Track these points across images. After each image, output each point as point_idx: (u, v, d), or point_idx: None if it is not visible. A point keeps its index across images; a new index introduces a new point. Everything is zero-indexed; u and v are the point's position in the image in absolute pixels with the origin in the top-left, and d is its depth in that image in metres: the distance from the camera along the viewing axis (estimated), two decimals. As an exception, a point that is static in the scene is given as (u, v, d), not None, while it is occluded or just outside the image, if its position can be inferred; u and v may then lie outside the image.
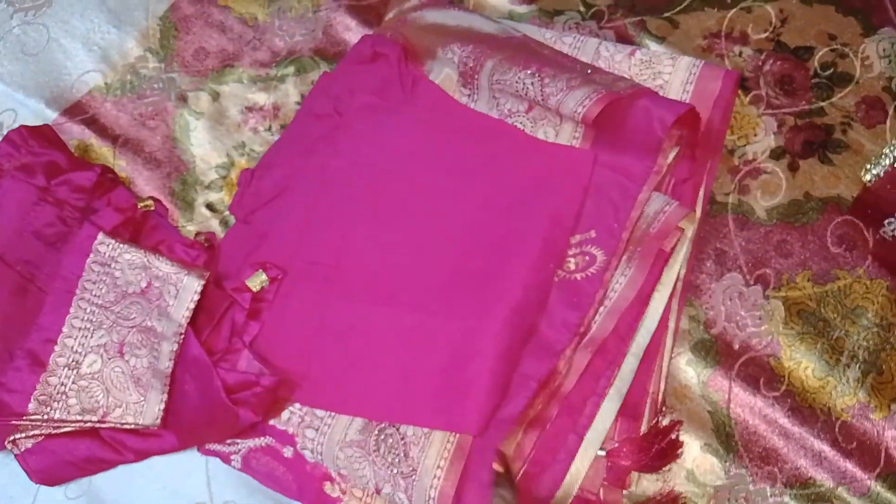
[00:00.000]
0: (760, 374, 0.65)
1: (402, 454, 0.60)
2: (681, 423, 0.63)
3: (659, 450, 0.61)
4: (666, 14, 0.74)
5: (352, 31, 0.77)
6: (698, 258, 0.68)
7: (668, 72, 0.68)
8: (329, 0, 0.77)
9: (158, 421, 0.64)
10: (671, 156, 0.64)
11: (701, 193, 0.67)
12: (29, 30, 0.79)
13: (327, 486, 0.64)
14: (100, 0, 0.79)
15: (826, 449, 0.63)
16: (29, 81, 0.77)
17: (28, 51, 0.78)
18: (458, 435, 0.60)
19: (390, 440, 0.61)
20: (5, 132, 0.76)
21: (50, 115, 0.76)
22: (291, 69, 0.77)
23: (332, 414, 0.64)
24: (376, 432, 0.62)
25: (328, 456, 0.63)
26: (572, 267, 0.62)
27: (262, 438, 0.65)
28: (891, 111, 0.69)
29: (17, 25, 0.79)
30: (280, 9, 0.78)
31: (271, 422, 0.65)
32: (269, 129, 0.76)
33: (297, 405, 0.65)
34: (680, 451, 0.62)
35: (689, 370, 0.66)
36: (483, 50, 0.68)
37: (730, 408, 0.65)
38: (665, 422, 0.63)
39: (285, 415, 0.65)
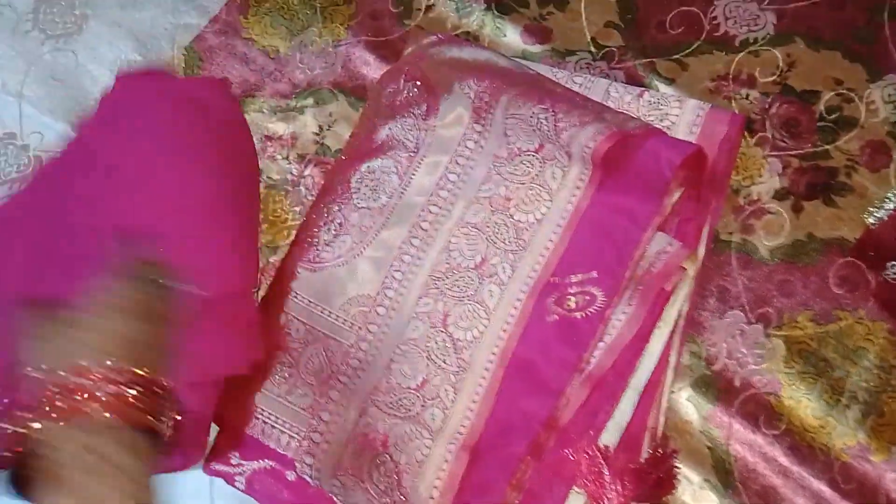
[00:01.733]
0: (761, 411, 0.66)
1: (396, 482, 0.61)
2: (678, 451, 0.64)
3: (657, 479, 0.61)
4: (675, 56, 0.76)
5: (370, 66, 0.79)
6: (701, 295, 0.69)
7: (676, 113, 0.69)
8: (349, 35, 0.80)
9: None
10: (675, 196, 0.66)
11: (705, 233, 0.68)
12: (59, 56, 0.82)
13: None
14: (128, 30, 0.82)
15: (825, 489, 0.63)
16: (57, 106, 0.80)
17: (57, 76, 0.81)
18: (449, 463, 0.61)
19: (383, 468, 0.62)
20: (31, 154, 0.79)
21: (75, 139, 0.79)
22: (310, 101, 0.79)
23: (329, 440, 0.65)
24: (370, 458, 0.63)
25: (326, 482, 0.64)
26: (572, 305, 0.64)
27: (265, 461, 0.66)
28: (895, 155, 0.70)
29: (48, 52, 0.82)
30: (301, 42, 0.80)
31: (271, 444, 0.66)
32: (287, 157, 0.78)
33: (297, 431, 0.66)
34: (677, 479, 0.63)
35: (690, 406, 0.67)
36: (499, 85, 0.70)
37: (729, 444, 0.65)
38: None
39: (284, 438, 0.66)
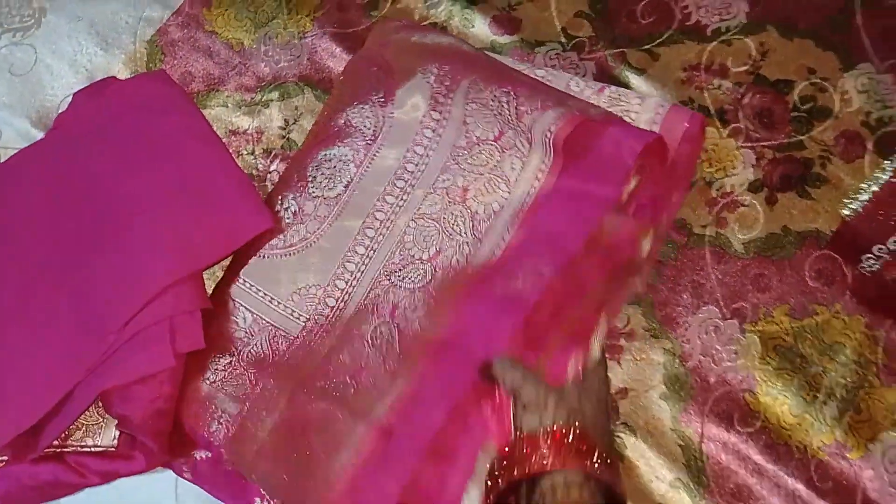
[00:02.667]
0: (735, 409, 0.64)
1: (311, 464, 0.60)
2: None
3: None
4: (646, 46, 0.74)
5: (336, 58, 0.77)
6: (674, 291, 0.67)
7: (636, 110, 0.68)
8: (314, 27, 0.78)
9: (115, 442, 0.64)
10: (633, 184, 0.64)
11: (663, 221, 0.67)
12: (16, 50, 0.80)
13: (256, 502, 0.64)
14: (88, 23, 0.80)
15: (801, 488, 0.61)
16: (15, 101, 0.78)
17: (15, 71, 0.79)
18: (365, 444, 0.59)
19: (301, 452, 0.60)
20: (-9, 150, 0.77)
21: (36, 135, 0.77)
22: (276, 94, 0.78)
23: (256, 428, 0.63)
24: (291, 444, 0.61)
25: (247, 470, 0.62)
26: (518, 285, 0.61)
27: (203, 451, 0.65)
28: (869, 146, 0.69)
29: (5, 46, 0.80)
30: (266, 35, 0.79)
31: (205, 434, 0.65)
32: (252, 153, 0.76)
33: (226, 419, 0.64)
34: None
35: (662, 404, 0.65)
36: (461, 68, 0.68)
37: (702, 443, 0.63)
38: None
39: (214, 426, 0.64)
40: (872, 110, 0.70)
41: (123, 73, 0.79)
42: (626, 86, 0.73)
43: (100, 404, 0.67)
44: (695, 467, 0.63)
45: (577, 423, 0.53)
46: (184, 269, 0.63)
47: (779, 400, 0.64)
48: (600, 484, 0.51)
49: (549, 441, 0.53)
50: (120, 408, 0.62)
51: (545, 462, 0.52)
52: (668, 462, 0.63)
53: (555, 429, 0.53)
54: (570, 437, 0.53)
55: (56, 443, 0.66)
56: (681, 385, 0.65)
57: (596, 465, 0.52)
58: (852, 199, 0.67)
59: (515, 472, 0.53)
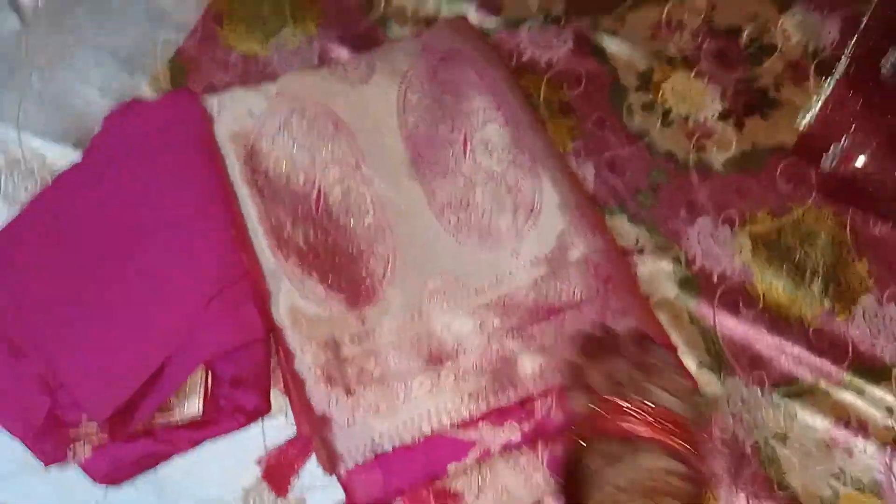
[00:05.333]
0: (739, 297, 0.75)
1: None
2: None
3: None
4: (615, 12, 0.86)
5: (345, 57, 0.87)
6: (672, 208, 0.79)
7: None
8: (321, 31, 0.88)
9: (200, 412, 0.71)
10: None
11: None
12: (49, 85, 0.87)
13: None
14: (112, 51, 0.88)
15: (803, 351, 0.73)
16: (56, 129, 0.85)
17: (50, 101, 0.86)
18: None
19: None
20: (37, 177, 0.84)
21: (78, 156, 0.84)
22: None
23: None
24: None
25: None
26: None
27: None
28: (811, 70, 0.82)
29: (37, 81, 0.87)
30: (278, 44, 0.88)
31: None
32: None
33: None
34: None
35: (679, 304, 0.76)
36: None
37: (716, 329, 0.74)
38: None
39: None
40: (808, 42, 0.83)
41: (149, 93, 0.87)
42: (602, 49, 0.85)
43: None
44: (714, 351, 0.74)
45: (674, 405, 0.56)
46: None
47: (773, 284, 0.75)
48: (686, 466, 0.53)
49: (642, 412, 0.55)
50: (232, 370, 0.69)
51: (634, 431, 0.54)
52: (693, 350, 0.74)
53: (649, 403, 0.55)
54: (665, 415, 0.55)
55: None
56: (691, 285, 0.76)
57: (685, 447, 0.54)
58: (804, 114, 0.80)
59: (599, 435, 0.56)
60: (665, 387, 0.57)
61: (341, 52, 0.87)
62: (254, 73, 0.87)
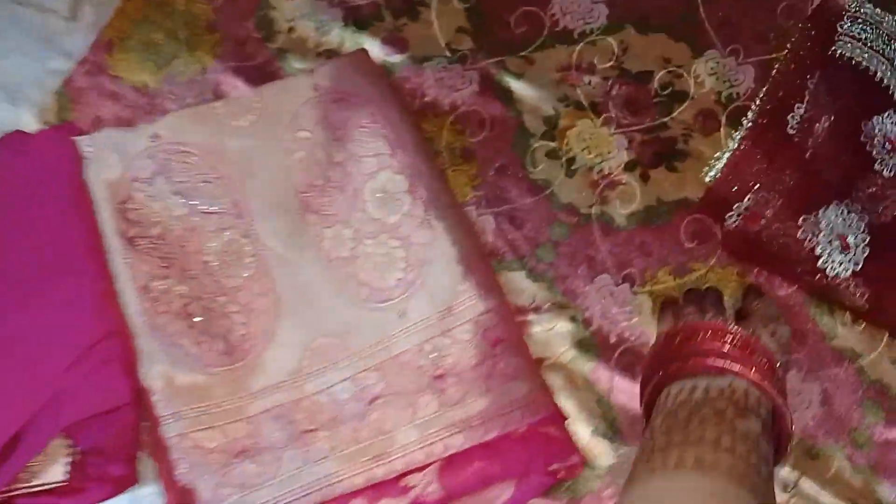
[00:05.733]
0: (636, 361, 0.72)
1: None
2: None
3: None
4: (522, 53, 0.82)
5: (239, 90, 0.82)
6: (572, 265, 0.75)
7: None
8: (215, 62, 0.83)
9: (66, 479, 0.66)
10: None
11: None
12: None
13: None
14: (-4, 84, 0.83)
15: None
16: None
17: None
18: None
19: None
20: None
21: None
22: (186, 130, 0.82)
23: None
24: None
25: None
26: None
27: None
28: (723, 120, 0.79)
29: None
30: (169, 74, 0.83)
31: None
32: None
33: None
34: None
35: (573, 366, 0.73)
36: None
37: (612, 394, 0.72)
38: None
39: None
40: (722, 89, 0.80)
41: (34, 125, 0.82)
42: (509, 91, 0.81)
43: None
44: (608, 417, 0.71)
45: (770, 346, 0.55)
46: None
47: (672, 348, 0.73)
48: (774, 405, 0.51)
49: (734, 342, 0.53)
50: (90, 439, 0.65)
51: (724, 362, 0.52)
52: (586, 416, 0.71)
53: (743, 335, 0.54)
54: (758, 349, 0.53)
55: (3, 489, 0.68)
56: (588, 347, 0.73)
57: (774, 385, 0.52)
58: (712, 166, 0.77)
59: (684, 365, 0.54)
60: (767, 327, 0.58)
61: (237, 84, 0.83)
62: (143, 107, 0.82)
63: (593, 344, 0.73)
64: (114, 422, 0.66)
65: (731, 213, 0.75)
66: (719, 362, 0.53)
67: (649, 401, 0.56)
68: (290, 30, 0.84)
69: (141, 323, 0.68)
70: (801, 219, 0.72)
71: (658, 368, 0.56)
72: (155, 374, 0.67)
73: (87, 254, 0.70)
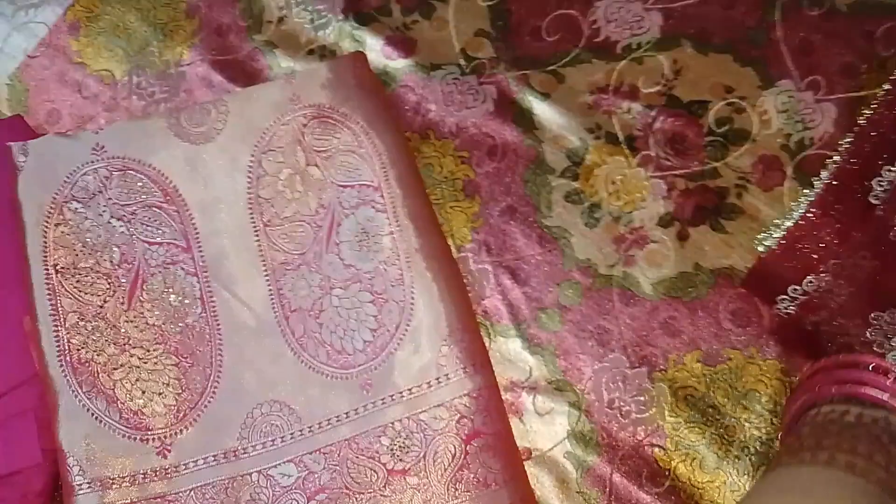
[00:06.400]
0: (644, 466, 0.60)
1: None
2: None
3: None
4: (551, 67, 0.68)
5: (214, 89, 0.71)
6: (579, 337, 0.62)
7: None
8: (191, 53, 0.72)
9: None
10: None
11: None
12: None
13: None
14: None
15: (712, 552, 0.57)
16: None
17: None
18: None
19: None
20: None
21: None
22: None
23: None
24: None
25: None
26: None
27: None
28: (789, 171, 0.64)
29: None
30: (138, 66, 0.72)
31: None
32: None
33: None
34: None
35: (568, 463, 0.60)
36: None
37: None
38: None
39: None
40: (792, 132, 0.64)
41: (-13, 113, 0.73)
42: (529, 113, 0.67)
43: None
44: (602, 532, 0.59)
45: None
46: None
47: (690, 455, 0.59)
48: None
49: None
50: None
51: (884, 395, 0.51)
52: (574, 528, 0.59)
53: None
54: None
55: None
56: (586, 442, 0.61)
57: None
58: (769, 232, 0.62)
59: (841, 388, 0.52)
60: None
61: (212, 81, 0.71)
62: (105, 102, 0.72)
63: (594, 439, 0.61)
64: (17, 486, 0.57)
65: (783, 297, 0.60)
66: (879, 394, 0.51)
67: (793, 418, 0.54)
68: (281, 20, 0.72)
69: (61, 372, 0.58)
70: (872, 315, 0.57)
71: (811, 388, 0.54)
72: (74, 433, 0.58)
73: (9, 283, 0.60)
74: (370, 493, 0.56)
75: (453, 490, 0.56)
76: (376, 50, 0.70)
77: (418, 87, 0.69)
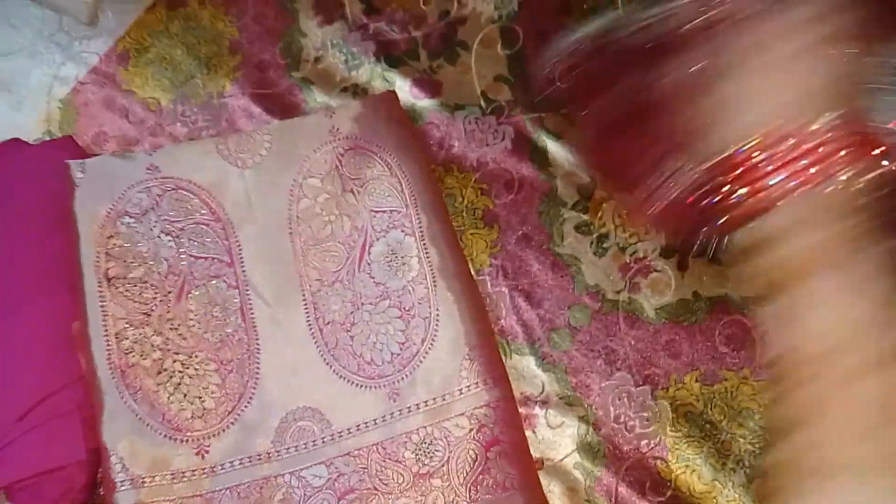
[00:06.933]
0: (647, 477, 0.65)
1: None
2: None
3: None
4: (563, 111, 0.75)
5: (254, 119, 0.76)
6: (588, 356, 0.68)
7: None
8: (233, 87, 0.77)
9: None
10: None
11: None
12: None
13: None
14: (1, 85, 0.78)
15: (709, 557, 0.62)
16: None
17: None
18: None
19: None
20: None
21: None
22: (195, 154, 0.76)
23: None
24: None
25: None
26: None
27: None
28: (778, 212, 0.70)
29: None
30: (183, 94, 0.77)
31: None
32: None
33: None
34: None
35: (577, 472, 0.65)
36: None
37: (615, 512, 0.64)
38: None
39: None
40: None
41: (36, 133, 0.77)
42: (544, 151, 0.74)
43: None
44: (608, 537, 0.64)
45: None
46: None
47: (689, 467, 0.65)
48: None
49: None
50: (46, 494, 0.60)
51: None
52: (582, 532, 0.64)
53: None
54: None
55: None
56: (595, 453, 0.66)
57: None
58: (761, 265, 0.68)
59: None
60: None
61: (252, 113, 0.77)
62: (150, 127, 0.77)
63: (601, 451, 0.66)
64: (62, 481, 0.61)
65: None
66: None
67: None
68: (318, 59, 0.78)
69: (108, 374, 0.62)
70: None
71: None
72: (117, 432, 0.62)
73: (61, 289, 0.64)
74: (397, 493, 0.61)
75: (474, 492, 0.61)
76: (405, 90, 0.76)
77: (443, 125, 0.75)
